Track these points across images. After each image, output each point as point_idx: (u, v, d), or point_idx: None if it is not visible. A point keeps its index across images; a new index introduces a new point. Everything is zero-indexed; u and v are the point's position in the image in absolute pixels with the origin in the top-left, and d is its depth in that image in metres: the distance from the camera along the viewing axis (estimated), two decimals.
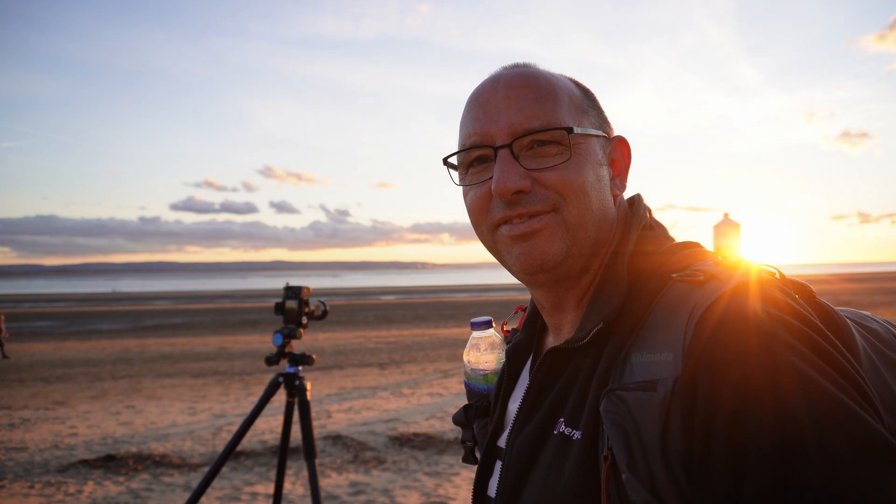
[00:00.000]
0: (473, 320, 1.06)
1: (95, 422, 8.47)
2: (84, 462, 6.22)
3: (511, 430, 0.85)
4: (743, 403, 0.61)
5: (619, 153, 0.87)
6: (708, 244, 0.83)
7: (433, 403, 9.18)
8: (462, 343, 18.51)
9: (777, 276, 0.75)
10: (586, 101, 0.86)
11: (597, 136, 0.83)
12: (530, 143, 0.80)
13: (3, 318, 20.21)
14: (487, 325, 1.05)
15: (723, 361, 0.63)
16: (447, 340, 19.90)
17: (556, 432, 0.76)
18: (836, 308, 0.82)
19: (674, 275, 0.73)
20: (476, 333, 1.05)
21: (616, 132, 0.91)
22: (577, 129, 0.80)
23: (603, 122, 0.87)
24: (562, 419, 0.76)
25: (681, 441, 0.63)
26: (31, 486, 5.55)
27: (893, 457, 0.58)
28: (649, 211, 0.89)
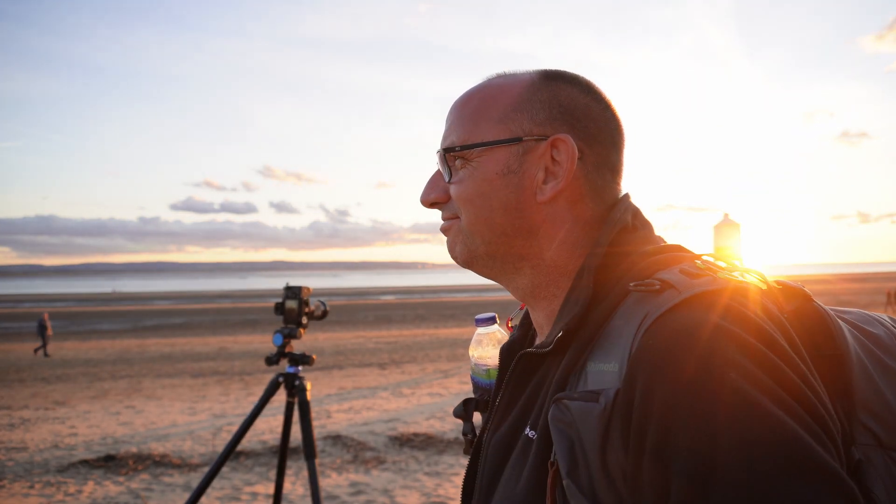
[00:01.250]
0: (478, 316, 1.07)
1: (95, 422, 8.47)
2: (84, 462, 6.22)
3: (488, 430, 0.86)
4: (671, 419, 0.59)
5: (557, 155, 0.80)
6: (699, 245, 0.79)
7: (433, 403, 9.18)
8: (462, 343, 18.54)
9: (762, 283, 0.73)
10: (522, 105, 0.81)
11: (507, 143, 0.80)
12: (448, 159, 0.85)
13: (46, 315, 20.13)
14: (491, 321, 1.07)
15: (657, 375, 0.61)
16: (447, 340, 19.91)
17: (523, 434, 0.77)
18: (839, 310, 0.80)
19: (631, 284, 0.71)
20: (480, 329, 1.07)
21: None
22: (458, 148, 0.82)
23: (541, 123, 0.80)
24: (529, 422, 0.77)
25: (620, 452, 0.63)
26: (31, 486, 5.55)
27: (825, 479, 0.56)
28: (635, 212, 0.84)
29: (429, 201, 0.88)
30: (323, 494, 4.46)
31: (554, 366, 0.76)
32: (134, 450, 6.67)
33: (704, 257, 0.76)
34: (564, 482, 0.65)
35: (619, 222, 0.80)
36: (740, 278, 0.70)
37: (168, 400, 10.18)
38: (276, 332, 3.41)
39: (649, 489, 0.60)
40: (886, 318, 0.85)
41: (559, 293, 0.83)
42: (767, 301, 0.70)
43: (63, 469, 6.06)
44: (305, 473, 5.52)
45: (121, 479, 5.74)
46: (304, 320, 3.45)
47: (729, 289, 0.67)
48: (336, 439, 6.92)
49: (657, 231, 0.88)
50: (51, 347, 19.48)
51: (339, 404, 9.35)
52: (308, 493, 5.15)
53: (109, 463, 6.20)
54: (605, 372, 0.67)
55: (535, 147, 0.80)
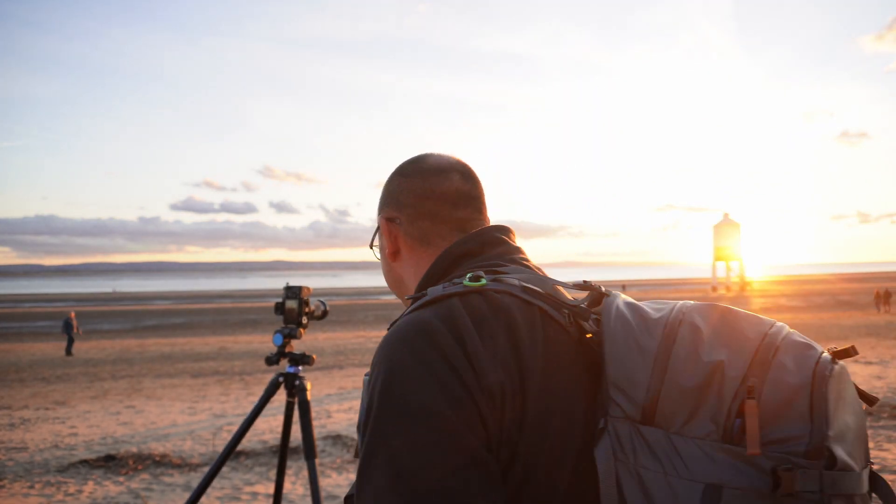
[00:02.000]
0: None
1: (95, 422, 8.47)
2: (84, 462, 6.23)
3: None
4: (371, 388, 0.82)
5: (388, 226, 1.12)
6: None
7: None
8: None
9: (538, 288, 0.91)
10: (383, 195, 1.15)
11: (376, 233, 1.17)
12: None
13: (73, 314, 20.16)
14: None
15: (376, 355, 0.86)
16: None
17: None
18: (652, 302, 0.90)
19: (407, 296, 0.99)
20: None
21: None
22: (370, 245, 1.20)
23: (380, 210, 1.14)
24: None
25: None
26: (31, 486, 5.56)
27: (447, 436, 0.75)
28: (485, 241, 1.03)
29: None
30: (323, 494, 4.46)
31: None
32: (134, 450, 6.68)
33: (484, 271, 0.93)
34: (358, 434, 0.88)
35: (454, 254, 1.02)
36: (484, 284, 0.88)
37: (168, 400, 10.18)
38: (276, 332, 3.41)
39: None
40: (706, 309, 0.85)
41: None
42: (515, 303, 0.87)
43: (63, 469, 6.07)
44: (305, 473, 5.52)
45: (121, 478, 5.75)
46: (304, 320, 3.45)
47: (461, 293, 0.87)
48: (336, 439, 6.93)
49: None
50: (51, 347, 19.49)
51: (339, 404, 9.36)
52: (308, 493, 5.15)
53: (109, 463, 6.21)
54: None
55: (382, 227, 1.15)
